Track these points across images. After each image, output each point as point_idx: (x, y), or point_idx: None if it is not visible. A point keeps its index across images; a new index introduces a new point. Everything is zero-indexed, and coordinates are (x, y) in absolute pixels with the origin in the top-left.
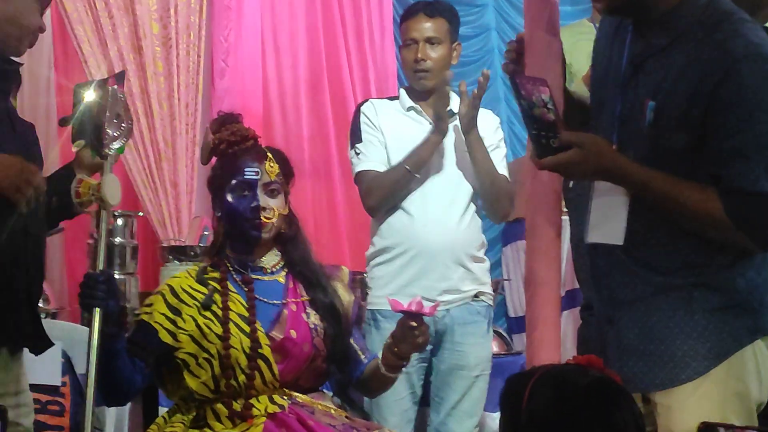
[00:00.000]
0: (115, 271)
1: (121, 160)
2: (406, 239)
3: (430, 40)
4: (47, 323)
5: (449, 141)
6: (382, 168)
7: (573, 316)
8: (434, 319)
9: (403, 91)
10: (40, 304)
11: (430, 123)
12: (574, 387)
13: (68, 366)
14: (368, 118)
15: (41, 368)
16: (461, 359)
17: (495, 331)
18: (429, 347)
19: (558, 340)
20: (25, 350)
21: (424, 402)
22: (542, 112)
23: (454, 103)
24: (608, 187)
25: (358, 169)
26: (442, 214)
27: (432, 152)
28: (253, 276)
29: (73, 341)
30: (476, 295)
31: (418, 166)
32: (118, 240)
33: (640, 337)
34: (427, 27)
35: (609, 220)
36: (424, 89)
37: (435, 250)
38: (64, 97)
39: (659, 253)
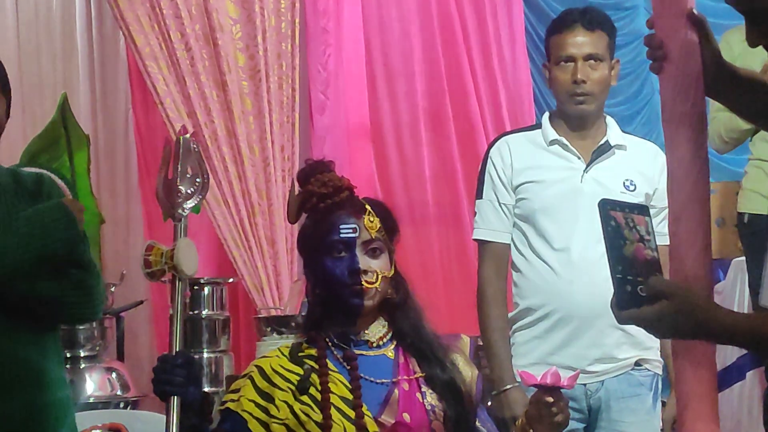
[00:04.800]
0: (204, 349)
1: (208, 217)
2: (549, 299)
3: (590, 57)
4: (125, 414)
5: (598, 181)
6: (501, 236)
7: (759, 377)
8: (587, 393)
9: (546, 120)
10: (118, 392)
11: (579, 158)
12: None
13: None
14: (495, 168)
15: None
16: None
17: (664, 404)
18: (582, 426)
19: None
20: None
21: None
22: (636, 250)
23: (611, 131)
24: None
25: (473, 234)
26: (591, 268)
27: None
28: (357, 351)
29: None
30: (638, 363)
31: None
32: (206, 312)
33: None
34: (586, 42)
35: None
36: (581, 115)
37: (584, 312)
38: (144, 143)
39: None
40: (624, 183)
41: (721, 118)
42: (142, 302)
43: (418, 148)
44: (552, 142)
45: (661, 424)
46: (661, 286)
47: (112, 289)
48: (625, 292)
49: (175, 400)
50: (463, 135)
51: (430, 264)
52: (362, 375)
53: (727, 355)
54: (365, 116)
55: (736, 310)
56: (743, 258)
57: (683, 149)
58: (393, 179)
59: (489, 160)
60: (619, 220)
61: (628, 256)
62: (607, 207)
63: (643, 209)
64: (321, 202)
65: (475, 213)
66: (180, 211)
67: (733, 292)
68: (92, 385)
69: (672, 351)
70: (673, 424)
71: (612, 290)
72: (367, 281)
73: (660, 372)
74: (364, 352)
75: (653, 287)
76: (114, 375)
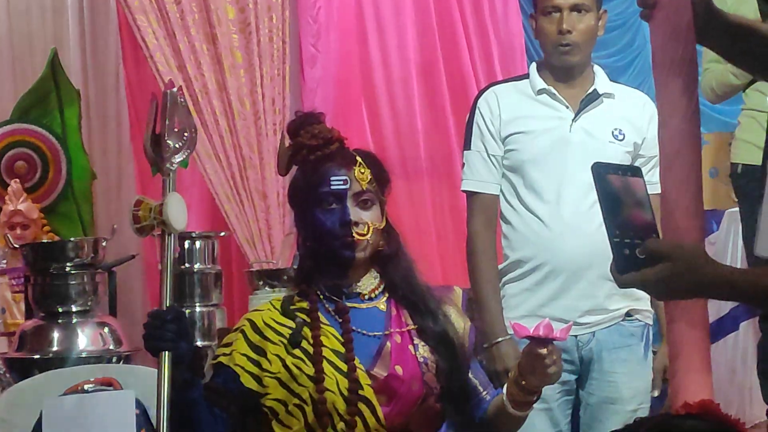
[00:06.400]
0: (197, 303)
1: (199, 172)
2: (539, 251)
3: (576, 8)
4: (117, 368)
5: (586, 130)
6: (490, 187)
7: (753, 327)
8: (578, 344)
9: (533, 69)
10: (110, 346)
11: (567, 107)
12: None
13: (144, 418)
14: (483, 118)
15: (112, 420)
16: (613, 391)
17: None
18: (574, 377)
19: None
20: (94, 400)
21: None
22: (632, 214)
23: (599, 80)
24: None
25: (462, 186)
26: (580, 220)
27: None
28: (349, 304)
29: (150, 389)
30: (628, 314)
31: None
32: (198, 266)
33: None
34: None
35: None
36: (567, 66)
37: (574, 264)
38: (135, 98)
39: None
40: (613, 132)
41: (713, 69)
42: (134, 257)
43: (410, 101)
44: (540, 92)
45: (652, 374)
46: (660, 247)
47: (104, 243)
48: (623, 256)
49: (166, 356)
50: (455, 88)
51: (422, 218)
52: (354, 328)
53: (721, 306)
54: (356, 69)
55: (729, 260)
56: (736, 209)
57: (674, 96)
58: (385, 133)
59: (477, 110)
60: (615, 184)
61: (624, 219)
62: (601, 170)
63: (636, 171)
64: (311, 154)
65: (464, 164)
66: (168, 165)
67: (727, 243)
68: (84, 340)
69: (668, 342)
70: (665, 374)
71: (603, 241)
72: (358, 233)
73: (651, 322)
74: (356, 305)
75: (651, 249)
76: (106, 330)
